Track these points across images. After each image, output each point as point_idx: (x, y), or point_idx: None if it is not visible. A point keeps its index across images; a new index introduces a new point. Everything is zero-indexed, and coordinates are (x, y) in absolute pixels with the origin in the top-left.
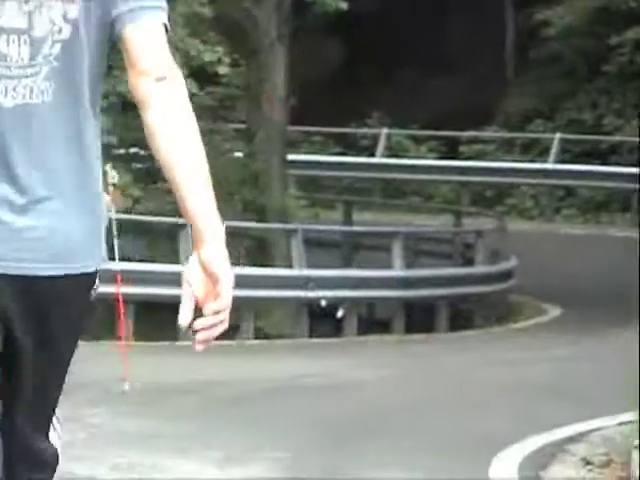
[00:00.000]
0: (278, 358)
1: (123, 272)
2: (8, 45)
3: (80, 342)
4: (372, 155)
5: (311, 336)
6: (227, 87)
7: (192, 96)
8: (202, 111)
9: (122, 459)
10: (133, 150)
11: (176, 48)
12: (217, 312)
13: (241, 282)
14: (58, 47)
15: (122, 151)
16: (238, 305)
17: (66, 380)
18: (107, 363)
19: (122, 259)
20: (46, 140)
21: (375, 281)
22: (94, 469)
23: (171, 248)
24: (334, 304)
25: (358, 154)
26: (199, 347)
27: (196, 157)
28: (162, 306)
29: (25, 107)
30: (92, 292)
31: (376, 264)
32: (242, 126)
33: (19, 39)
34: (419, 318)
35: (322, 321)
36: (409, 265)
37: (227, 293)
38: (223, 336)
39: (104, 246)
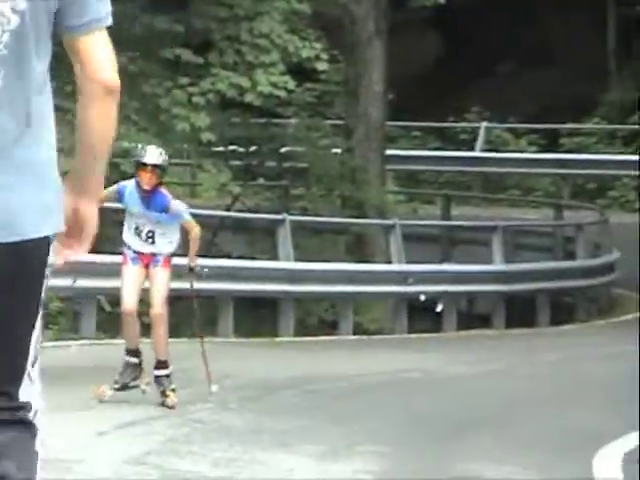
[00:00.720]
0: (377, 353)
1: (223, 268)
2: None
3: (183, 340)
4: (471, 149)
5: (410, 331)
6: (325, 83)
7: (290, 92)
8: (300, 108)
9: (223, 454)
10: (232, 147)
11: (274, 44)
12: (77, 242)
13: (340, 278)
14: (7, 36)
15: (221, 148)
16: (337, 301)
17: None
18: (210, 359)
19: (222, 256)
20: None
21: (474, 275)
22: (196, 464)
23: (270, 244)
24: (433, 299)
25: (457, 148)
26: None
27: (102, 142)
28: (262, 302)
29: None
30: (36, 257)
31: (475, 258)
32: (340, 122)
33: None
34: (520, 312)
35: (421, 316)
36: (509, 259)
37: (90, 234)
38: (323, 332)
39: (55, 217)
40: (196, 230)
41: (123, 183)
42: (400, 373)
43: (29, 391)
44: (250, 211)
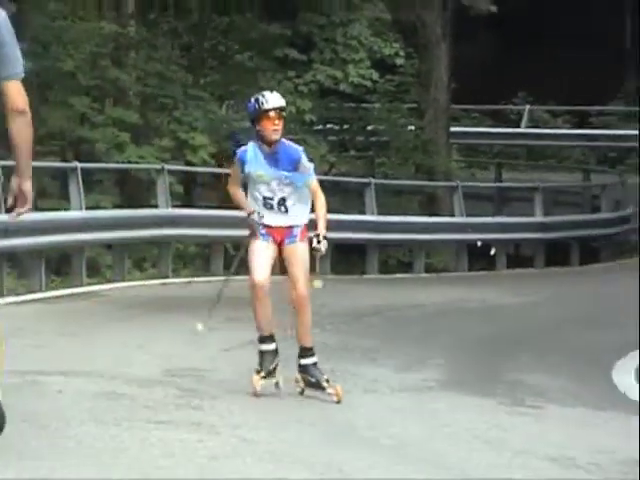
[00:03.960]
0: (444, 287)
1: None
2: None
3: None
4: (518, 126)
5: (470, 270)
6: (403, 75)
7: (375, 83)
8: (382, 95)
9: (320, 366)
10: (329, 126)
11: (361, 44)
12: (23, 205)
13: (415, 228)
14: None
15: (320, 127)
16: (412, 246)
17: None
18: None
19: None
20: None
21: (520, 226)
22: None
23: (359, 202)
24: (488, 245)
25: (507, 126)
26: (16, 216)
27: (26, 145)
28: (352, 247)
29: None
30: None
31: (521, 212)
32: (414, 106)
33: None
34: (556, 255)
35: (478, 258)
36: (547, 213)
37: (29, 198)
38: (401, 270)
39: None
40: (322, 196)
41: (239, 151)
42: (462, 302)
43: None
44: (343, 176)
